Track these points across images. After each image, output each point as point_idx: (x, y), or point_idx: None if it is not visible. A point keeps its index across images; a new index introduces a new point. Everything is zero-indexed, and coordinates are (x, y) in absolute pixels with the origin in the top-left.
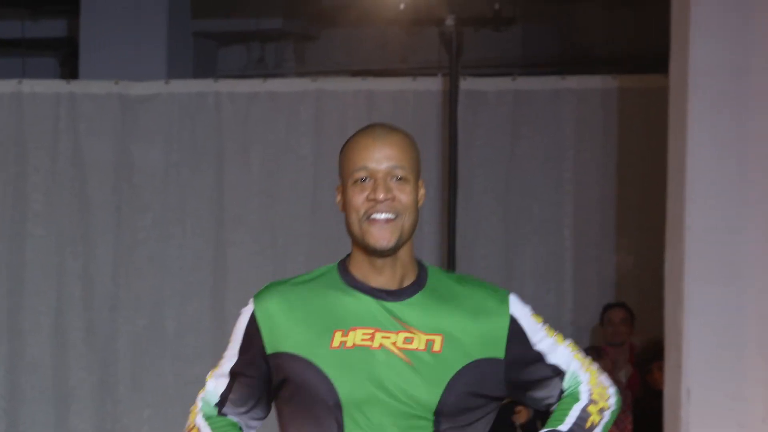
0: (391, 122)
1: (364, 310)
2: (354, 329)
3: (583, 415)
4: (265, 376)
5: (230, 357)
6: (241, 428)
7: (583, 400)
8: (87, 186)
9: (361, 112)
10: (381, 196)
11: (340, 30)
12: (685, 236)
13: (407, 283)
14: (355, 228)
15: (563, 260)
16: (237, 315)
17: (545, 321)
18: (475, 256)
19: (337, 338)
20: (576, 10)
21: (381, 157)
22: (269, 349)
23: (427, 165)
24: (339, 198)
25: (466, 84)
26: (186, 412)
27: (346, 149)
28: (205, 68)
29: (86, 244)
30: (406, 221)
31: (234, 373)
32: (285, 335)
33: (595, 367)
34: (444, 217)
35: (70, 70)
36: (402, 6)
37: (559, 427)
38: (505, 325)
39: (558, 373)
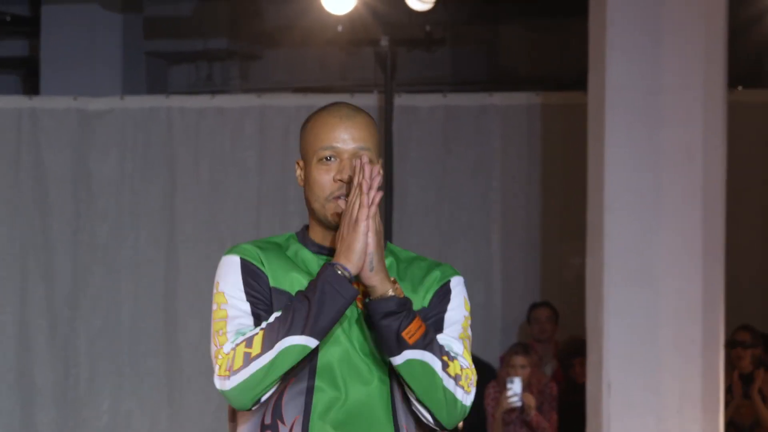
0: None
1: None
2: None
3: (450, 356)
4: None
5: (237, 299)
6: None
7: (460, 359)
8: (48, 194)
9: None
10: (346, 176)
11: (283, 50)
12: (604, 242)
13: None
14: (318, 205)
15: (491, 263)
16: (215, 290)
17: (469, 319)
18: None
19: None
20: (502, 32)
21: (348, 138)
22: (272, 282)
23: None
24: (299, 173)
25: (400, 100)
26: (141, 402)
27: (311, 126)
28: (156, 85)
29: (47, 249)
30: None
31: (255, 306)
32: (274, 272)
33: (472, 366)
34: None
35: (31, 86)
36: (340, 28)
37: (437, 335)
38: (438, 285)
39: (438, 330)
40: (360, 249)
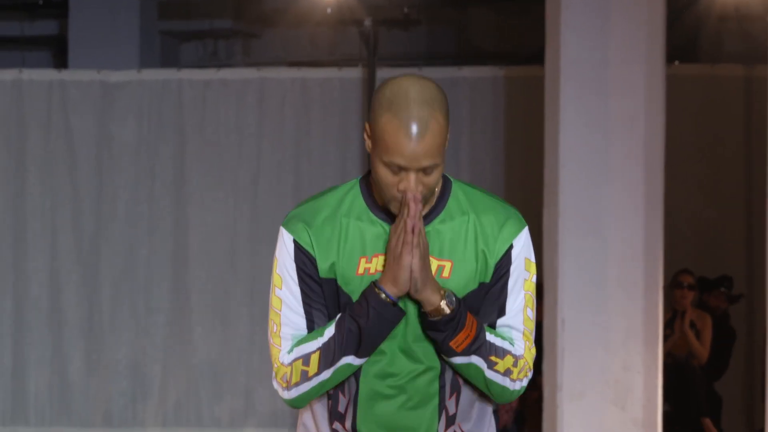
0: (425, 84)
1: (385, 239)
2: (376, 255)
3: (501, 353)
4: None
5: (292, 294)
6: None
7: (515, 351)
8: (75, 155)
9: (296, 96)
10: (410, 195)
11: (279, 29)
12: (558, 196)
13: (427, 206)
14: (380, 191)
15: None
16: (272, 252)
17: (533, 278)
18: None
19: (362, 265)
20: (471, 14)
21: (415, 157)
22: (320, 273)
23: (349, 141)
24: (367, 141)
25: (382, 73)
26: (154, 336)
27: (382, 123)
28: (169, 60)
29: (74, 204)
30: (432, 195)
31: (308, 309)
32: (323, 260)
33: (533, 347)
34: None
35: (60, 61)
36: (329, 10)
37: (487, 333)
38: (501, 251)
39: (501, 312)
40: (404, 279)
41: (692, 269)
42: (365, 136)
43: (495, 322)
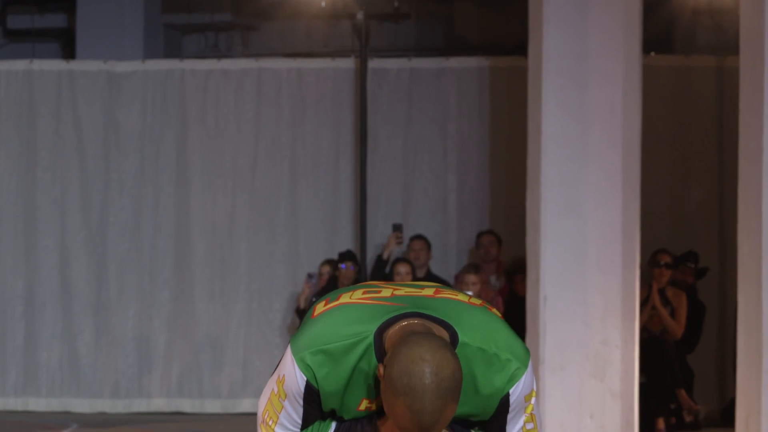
0: (444, 377)
1: None
2: (379, 397)
3: None
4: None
5: (294, 409)
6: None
7: None
8: (83, 140)
9: (292, 85)
10: None
11: (276, 22)
12: (541, 180)
13: None
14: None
15: (448, 198)
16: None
17: (537, 418)
18: (380, 195)
19: (364, 404)
20: (457, 7)
21: None
22: (325, 407)
23: (342, 128)
24: (381, 379)
25: (373, 64)
26: (159, 309)
27: (397, 404)
28: (172, 51)
29: (83, 187)
30: None
31: (306, 419)
32: (329, 399)
33: None
34: (357, 166)
35: (68, 52)
36: (323, 4)
37: None
38: (498, 399)
39: None
40: None
41: (667, 248)
42: (380, 371)
43: None
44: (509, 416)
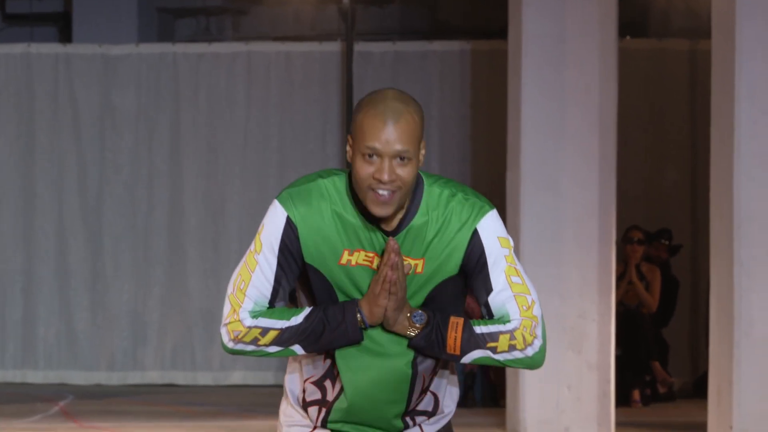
0: (402, 92)
1: (368, 237)
2: (359, 250)
3: (494, 336)
4: (298, 277)
5: (268, 262)
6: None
7: (507, 328)
8: (80, 121)
9: (281, 68)
10: (386, 177)
11: (265, 7)
12: (520, 159)
13: (402, 211)
14: (358, 190)
15: None
16: (261, 217)
17: (511, 252)
18: None
19: (345, 256)
20: None
21: (389, 141)
22: (305, 257)
23: (329, 109)
24: (349, 150)
25: (359, 47)
26: (153, 285)
27: (361, 118)
28: (165, 35)
29: (80, 164)
30: (406, 191)
31: (279, 275)
32: (310, 246)
33: (534, 308)
34: (343, 145)
35: (65, 36)
36: None
37: (474, 326)
38: (466, 240)
39: (488, 290)
40: (378, 316)
41: (642, 225)
42: (347, 148)
43: (487, 301)
44: (489, 260)
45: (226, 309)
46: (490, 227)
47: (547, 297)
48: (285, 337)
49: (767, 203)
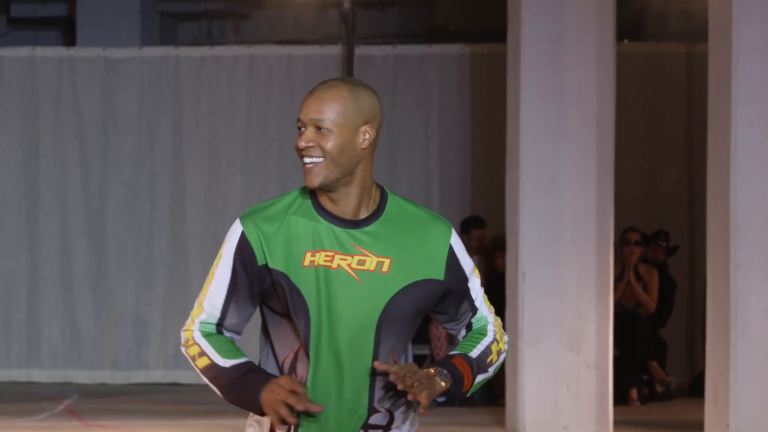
0: (350, 78)
1: (328, 235)
2: (320, 251)
3: (487, 351)
4: (257, 286)
5: (223, 275)
6: (234, 343)
7: (489, 337)
8: (83, 123)
9: (282, 71)
10: (300, 144)
11: (267, 11)
12: (519, 161)
13: (366, 211)
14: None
15: (430, 178)
16: (223, 239)
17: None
18: None
19: (308, 258)
20: None
21: (309, 111)
22: (263, 261)
23: None
24: None
25: (359, 50)
26: (156, 285)
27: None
28: (168, 38)
29: (83, 166)
30: (331, 164)
31: (231, 288)
32: (272, 253)
33: (491, 307)
34: None
35: (69, 39)
36: None
37: (469, 353)
38: (445, 252)
39: (474, 310)
40: (272, 409)
41: (639, 227)
42: None
43: (471, 322)
44: (470, 283)
45: (190, 317)
46: (459, 243)
47: (546, 298)
48: (211, 374)
49: (763, 205)
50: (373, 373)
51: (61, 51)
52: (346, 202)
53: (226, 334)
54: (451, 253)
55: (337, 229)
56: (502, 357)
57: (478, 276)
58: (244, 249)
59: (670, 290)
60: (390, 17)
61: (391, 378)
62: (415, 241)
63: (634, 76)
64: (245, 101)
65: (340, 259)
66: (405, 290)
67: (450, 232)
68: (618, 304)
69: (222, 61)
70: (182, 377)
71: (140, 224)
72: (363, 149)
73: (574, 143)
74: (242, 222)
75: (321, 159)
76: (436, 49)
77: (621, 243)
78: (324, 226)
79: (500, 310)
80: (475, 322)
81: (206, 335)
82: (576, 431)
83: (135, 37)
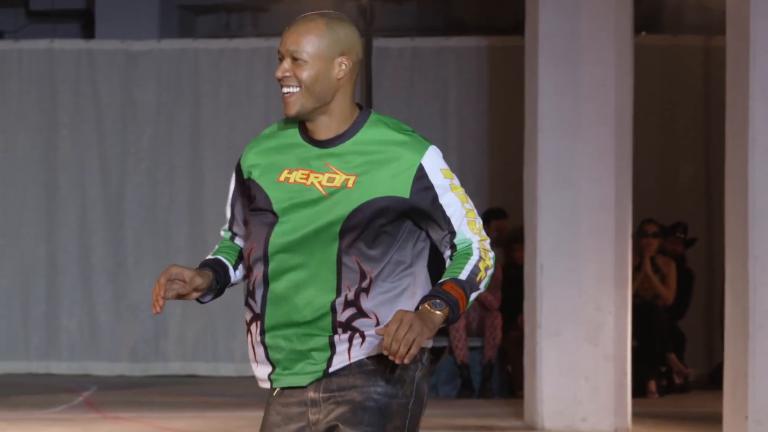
0: (330, 11)
1: (305, 156)
2: (297, 169)
3: (475, 270)
4: (246, 197)
5: (230, 192)
6: (240, 252)
7: (475, 256)
8: (102, 116)
9: None
10: (278, 74)
11: (285, 3)
12: (537, 154)
13: (336, 131)
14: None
15: None
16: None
17: (456, 181)
18: None
19: (284, 175)
20: None
21: (286, 42)
22: (248, 176)
23: None
24: None
25: (377, 43)
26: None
27: None
28: (186, 31)
29: (102, 158)
30: (306, 93)
31: (233, 200)
32: (254, 168)
33: (482, 230)
34: None
35: (88, 32)
36: None
37: (459, 276)
38: (414, 170)
39: (451, 231)
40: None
41: (657, 218)
42: None
43: (455, 243)
44: (439, 193)
45: None
46: (434, 162)
47: (564, 290)
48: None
49: None
50: (339, 283)
51: (79, 44)
52: (325, 127)
53: (236, 240)
54: (420, 171)
55: (315, 150)
56: (489, 273)
57: (461, 196)
58: (238, 169)
59: (687, 282)
60: (408, 10)
61: (384, 351)
62: (384, 160)
63: (651, 68)
64: (263, 94)
65: (314, 177)
66: (366, 204)
67: (423, 152)
68: (636, 296)
69: (240, 54)
70: (201, 369)
71: (158, 216)
72: (339, 79)
73: (591, 136)
74: (242, 155)
75: (297, 89)
76: (454, 41)
77: (638, 235)
78: (305, 148)
79: (518, 302)
80: (459, 243)
81: (221, 244)
82: (594, 423)
83: (153, 29)
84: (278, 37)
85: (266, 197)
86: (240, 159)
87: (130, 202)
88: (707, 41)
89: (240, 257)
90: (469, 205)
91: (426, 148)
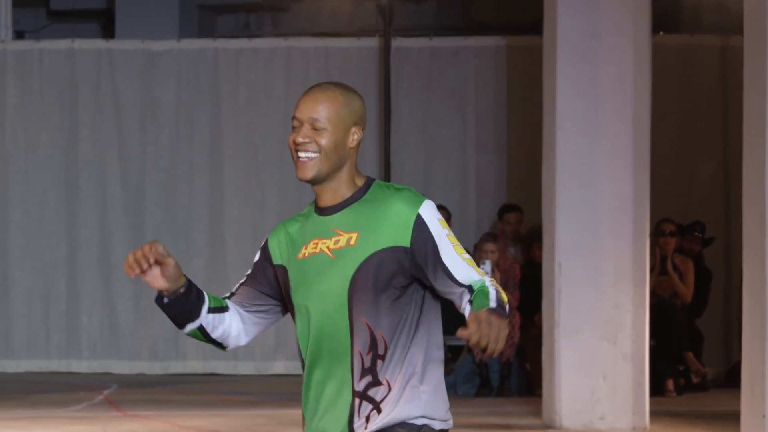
0: (339, 82)
1: (316, 227)
2: (310, 242)
3: (499, 300)
4: (272, 281)
5: (250, 269)
6: (226, 307)
7: (493, 289)
8: (122, 115)
9: (319, 64)
10: (298, 139)
11: (304, 3)
12: (556, 153)
13: (340, 198)
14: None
15: (467, 169)
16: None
17: (451, 232)
18: (403, 167)
19: (302, 251)
20: None
21: (305, 109)
22: (274, 260)
23: (366, 103)
24: None
25: (396, 42)
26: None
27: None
28: (205, 31)
29: (122, 157)
30: (324, 159)
31: (249, 274)
32: (278, 254)
33: (488, 275)
34: (381, 139)
35: (108, 32)
36: None
37: (490, 306)
38: (412, 220)
39: (463, 286)
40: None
41: (675, 218)
42: None
43: (455, 290)
44: (439, 244)
45: None
46: (431, 213)
47: (583, 289)
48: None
49: None
50: (353, 350)
51: (99, 43)
52: (332, 193)
53: (228, 302)
54: (419, 220)
55: (323, 218)
56: (507, 304)
57: (457, 248)
58: (264, 253)
59: (705, 281)
60: (427, 9)
61: (471, 344)
62: (383, 213)
63: (669, 67)
64: (283, 93)
65: (322, 243)
66: (370, 258)
67: (419, 203)
68: (654, 295)
69: (259, 54)
70: (220, 368)
71: (178, 215)
72: (351, 148)
73: (609, 135)
74: (270, 233)
75: (316, 154)
76: (472, 41)
77: (656, 234)
78: (316, 219)
79: (537, 301)
80: (474, 284)
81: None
82: (612, 421)
83: (173, 29)
84: (298, 36)
85: (287, 283)
86: (265, 243)
87: (150, 201)
88: (725, 41)
89: (220, 309)
90: (466, 255)
91: (422, 201)
